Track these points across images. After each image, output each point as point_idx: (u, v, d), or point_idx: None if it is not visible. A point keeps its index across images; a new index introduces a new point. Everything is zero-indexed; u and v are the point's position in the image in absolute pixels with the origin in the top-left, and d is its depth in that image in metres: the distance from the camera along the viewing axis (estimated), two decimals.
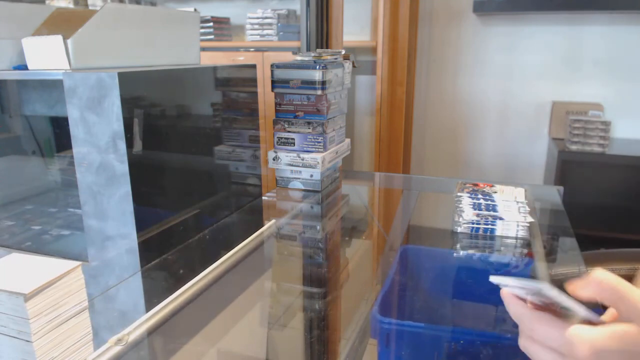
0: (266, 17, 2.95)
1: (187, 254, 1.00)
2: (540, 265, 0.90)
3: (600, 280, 0.42)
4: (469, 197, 1.08)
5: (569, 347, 0.40)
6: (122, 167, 0.86)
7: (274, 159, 1.34)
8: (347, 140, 1.49)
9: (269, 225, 1.16)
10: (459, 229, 1.06)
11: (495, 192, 1.10)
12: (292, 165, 1.32)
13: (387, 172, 2.72)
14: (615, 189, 2.36)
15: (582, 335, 0.40)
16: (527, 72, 2.68)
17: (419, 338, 0.70)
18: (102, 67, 0.96)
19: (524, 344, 0.45)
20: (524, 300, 0.44)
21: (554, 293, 0.40)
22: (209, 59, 2.59)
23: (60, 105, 1.15)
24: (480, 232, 1.05)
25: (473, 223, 1.05)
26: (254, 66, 1.26)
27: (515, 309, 0.44)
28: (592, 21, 2.51)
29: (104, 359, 0.64)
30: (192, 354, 0.71)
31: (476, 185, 1.16)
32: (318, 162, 1.29)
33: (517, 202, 1.06)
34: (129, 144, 0.85)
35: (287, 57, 2.55)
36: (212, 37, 3.04)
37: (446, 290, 0.92)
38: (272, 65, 1.31)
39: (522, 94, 2.71)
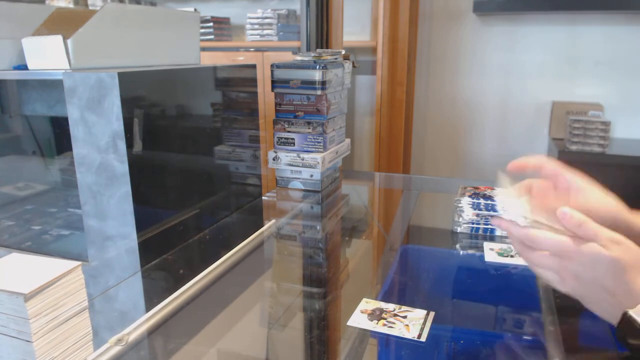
0: (266, 17, 2.95)
1: (187, 254, 1.00)
2: None
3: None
4: (469, 197, 1.08)
5: (559, 246, 0.55)
6: (122, 167, 0.86)
7: (274, 159, 1.34)
8: (347, 140, 1.49)
9: (269, 225, 1.16)
10: (459, 229, 1.06)
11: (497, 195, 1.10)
12: (292, 165, 1.32)
13: (387, 172, 2.72)
14: (615, 189, 2.34)
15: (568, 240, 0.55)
16: (526, 72, 2.67)
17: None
18: (102, 67, 0.96)
19: (526, 255, 0.60)
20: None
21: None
22: (209, 59, 2.59)
23: (60, 105, 1.15)
24: (480, 232, 1.05)
25: (473, 223, 1.05)
26: (254, 66, 1.26)
27: (515, 230, 0.60)
28: (592, 21, 2.51)
29: (104, 359, 0.64)
30: (192, 354, 0.71)
31: (477, 188, 1.16)
32: (318, 162, 1.29)
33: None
34: (129, 144, 0.85)
35: (287, 57, 2.55)
36: (212, 37, 3.04)
37: (446, 290, 0.92)
38: (272, 65, 1.31)
39: (522, 94, 2.71)
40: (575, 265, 0.54)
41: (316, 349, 0.72)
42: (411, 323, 0.71)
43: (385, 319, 0.72)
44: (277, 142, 1.35)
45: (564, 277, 0.56)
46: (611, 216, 0.59)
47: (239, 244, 1.01)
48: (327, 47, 1.98)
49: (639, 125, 2.56)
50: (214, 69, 1.13)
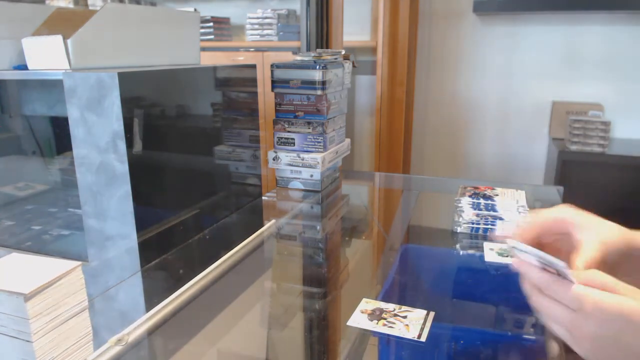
0: (266, 17, 2.95)
1: (187, 254, 1.00)
2: None
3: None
4: (469, 197, 1.08)
5: (577, 301, 0.46)
6: (122, 167, 0.86)
7: (274, 159, 1.34)
8: (347, 140, 1.49)
9: (269, 225, 1.16)
10: (459, 229, 1.06)
11: (497, 195, 1.10)
12: (292, 165, 1.32)
13: (387, 172, 2.72)
14: (615, 189, 2.35)
15: (589, 292, 0.46)
16: (527, 72, 2.67)
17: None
18: (102, 67, 0.96)
19: (536, 300, 0.51)
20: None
21: (550, 258, 0.48)
22: (209, 59, 2.59)
23: (60, 105, 1.15)
24: (480, 232, 1.05)
25: (473, 223, 1.05)
26: (254, 66, 1.26)
27: (529, 270, 0.51)
28: (592, 21, 2.51)
29: (104, 359, 0.64)
30: (192, 354, 0.71)
31: (477, 188, 1.16)
32: (318, 162, 1.29)
33: (517, 203, 1.06)
34: (129, 144, 0.85)
35: (287, 57, 2.55)
36: (212, 37, 3.03)
37: (446, 290, 0.92)
38: (272, 65, 1.31)
39: (522, 94, 2.71)
40: (592, 325, 0.46)
41: (316, 349, 0.72)
42: (411, 323, 0.71)
43: (385, 319, 0.72)
44: (277, 142, 1.35)
45: (577, 336, 0.48)
46: (625, 244, 0.53)
47: (239, 244, 1.01)
48: (327, 47, 1.98)
49: (639, 125, 2.56)
50: (214, 69, 1.13)
